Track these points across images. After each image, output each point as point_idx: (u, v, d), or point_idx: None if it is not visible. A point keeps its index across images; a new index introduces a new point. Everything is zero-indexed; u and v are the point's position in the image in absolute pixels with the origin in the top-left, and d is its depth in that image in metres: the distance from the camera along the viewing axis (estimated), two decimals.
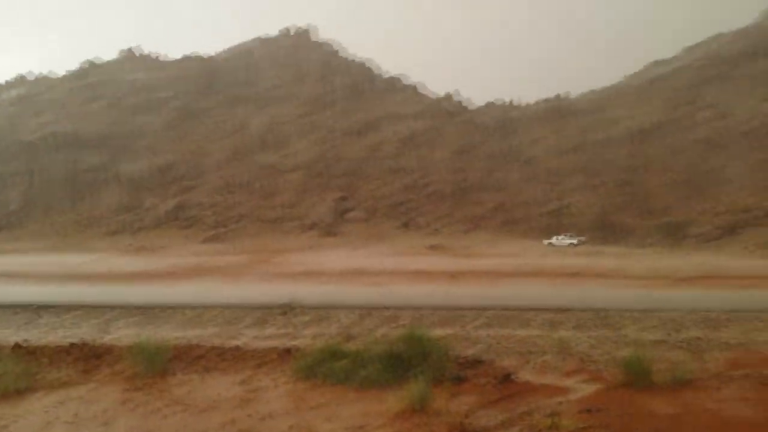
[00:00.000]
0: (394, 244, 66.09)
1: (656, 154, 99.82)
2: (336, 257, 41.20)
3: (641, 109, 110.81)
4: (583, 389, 6.85)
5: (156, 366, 7.37)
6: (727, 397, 6.29)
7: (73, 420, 5.79)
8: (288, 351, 8.33)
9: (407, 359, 7.16)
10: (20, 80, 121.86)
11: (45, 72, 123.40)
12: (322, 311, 13.22)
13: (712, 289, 19.75)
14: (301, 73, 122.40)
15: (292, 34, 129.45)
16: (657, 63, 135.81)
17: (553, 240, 69.52)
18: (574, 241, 68.99)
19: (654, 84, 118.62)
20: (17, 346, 8.84)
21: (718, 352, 9.11)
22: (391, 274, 26.59)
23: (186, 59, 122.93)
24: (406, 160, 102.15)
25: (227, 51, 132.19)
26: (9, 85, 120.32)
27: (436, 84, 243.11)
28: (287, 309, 13.17)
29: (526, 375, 7.65)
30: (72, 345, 8.94)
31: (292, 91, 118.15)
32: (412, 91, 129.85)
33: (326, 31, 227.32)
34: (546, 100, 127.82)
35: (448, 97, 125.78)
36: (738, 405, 6.01)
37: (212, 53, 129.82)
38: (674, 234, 74.25)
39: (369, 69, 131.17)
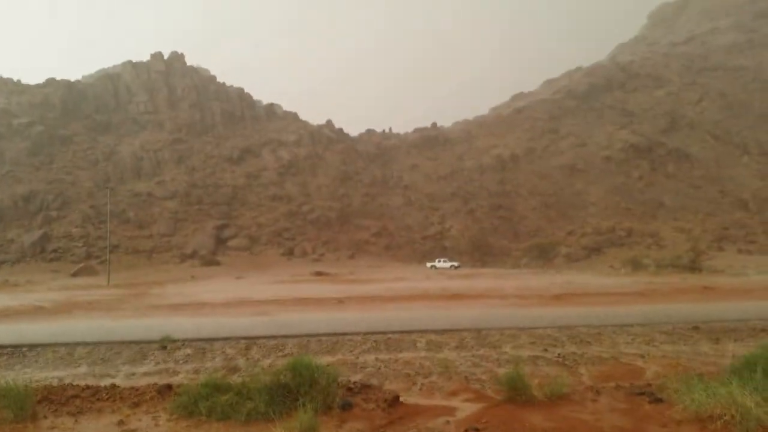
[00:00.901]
0: (278, 271, 65.29)
1: (523, 179, 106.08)
2: (218, 287, 40.05)
3: (507, 138, 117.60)
4: (467, 408, 7.05)
5: (24, 409, 6.80)
6: (601, 408, 6.71)
7: None
8: (168, 387, 7.95)
9: (294, 388, 7.06)
10: None
11: None
12: (205, 343, 12.76)
13: (581, 306, 21.08)
14: (175, 98, 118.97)
15: (165, 58, 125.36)
16: (520, 95, 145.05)
17: (435, 263, 71.69)
18: (456, 264, 71.53)
19: (519, 114, 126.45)
20: None
21: (591, 366, 9.72)
22: (276, 302, 26.19)
23: (49, 83, 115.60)
24: (288, 187, 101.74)
25: (93, 74, 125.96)
26: None
27: (312, 112, 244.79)
28: (167, 343, 12.58)
29: (413, 397, 7.77)
30: None
31: (166, 116, 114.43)
32: (293, 117, 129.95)
33: (198, 59, 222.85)
34: (421, 129, 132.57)
35: (328, 123, 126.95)
36: (611, 415, 6.42)
37: (78, 77, 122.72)
38: (544, 254, 78.86)
39: (247, 95, 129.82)
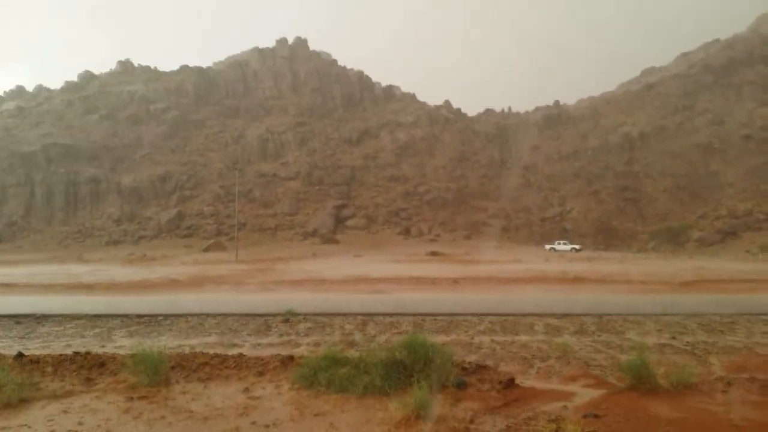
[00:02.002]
0: (395, 250, 66.14)
1: (654, 159, 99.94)
2: (337, 264, 41.19)
3: (637, 116, 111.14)
4: (586, 394, 6.82)
5: (158, 374, 7.36)
6: (732, 400, 6.27)
7: (76, 428, 5.79)
8: (290, 358, 8.30)
9: (409, 366, 7.14)
10: (19, 91, 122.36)
11: (43, 83, 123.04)
12: (325, 318, 13.19)
13: (713, 293, 19.73)
14: (298, 82, 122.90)
15: (289, 44, 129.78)
16: (651, 70, 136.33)
17: (555, 245, 69.60)
18: (577, 246, 69.08)
19: (649, 91, 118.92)
20: (19, 356, 8.82)
21: (722, 356, 9.08)
22: (392, 280, 26.55)
23: (182, 70, 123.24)
24: (405, 168, 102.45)
25: (223, 61, 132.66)
26: (8, 96, 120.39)
27: (431, 93, 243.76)
28: (289, 316, 13.13)
29: (529, 380, 7.62)
30: (74, 354, 8.91)
31: (289, 100, 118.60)
32: (410, 99, 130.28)
33: (321, 43, 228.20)
34: (543, 108, 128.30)
35: (446, 104, 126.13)
36: (743, 407, 5.99)
37: (209, 64, 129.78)
38: (674, 239, 74.26)
39: (366, 78, 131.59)
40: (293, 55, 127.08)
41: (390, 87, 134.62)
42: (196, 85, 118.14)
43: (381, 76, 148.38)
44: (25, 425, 5.89)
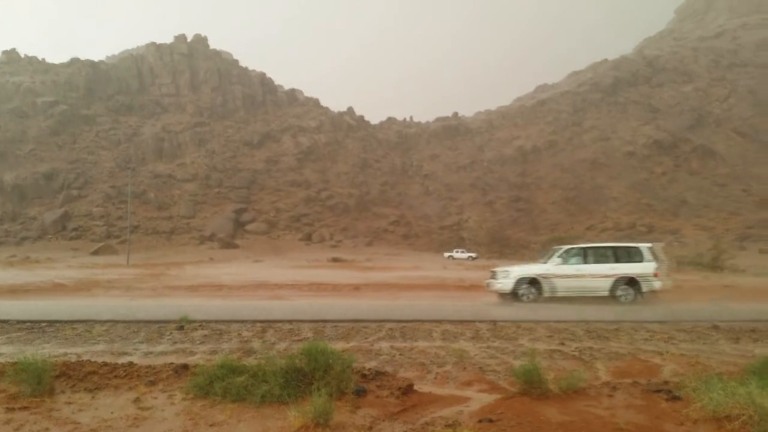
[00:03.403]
0: (296, 256, 65.66)
1: (545, 172, 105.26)
2: (235, 269, 40.39)
3: (530, 130, 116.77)
4: (481, 399, 7.03)
5: (41, 384, 6.91)
6: (617, 404, 6.65)
7: None
8: (185, 367, 8.02)
9: (309, 373, 7.08)
10: None
11: None
12: (222, 325, 12.86)
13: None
14: (197, 80, 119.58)
15: (188, 41, 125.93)
16: (544, 87, 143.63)
17: (453, 253, 71.65)
18: (473, 255, 71.45)
19: (542, 106, 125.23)
20: None
21: (608, 361, 9.64)
22: (293, 286, 26.36)
23: (73, 62, 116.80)
24: (308, 173, 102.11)
25: (117, 56, 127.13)
26: None
27: (334, 99, 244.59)
28: (184, 323, 12.70)
29: (427, 386, 7.76)
30: None
31: (187, 98, 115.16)
32: (313, 104, 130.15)
33: (222, 42, 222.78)
34: (443, 118, 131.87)
35: (349, 111, 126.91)
36: (627, 411, 6.36)
37: (102, 57, 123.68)
38: None
39: (269, 80, 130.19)
40: (192, 53, 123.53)
41: (293, 90, 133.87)
42: (87, 78, 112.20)
43: (283, 79, 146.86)
44: None
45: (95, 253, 64.12)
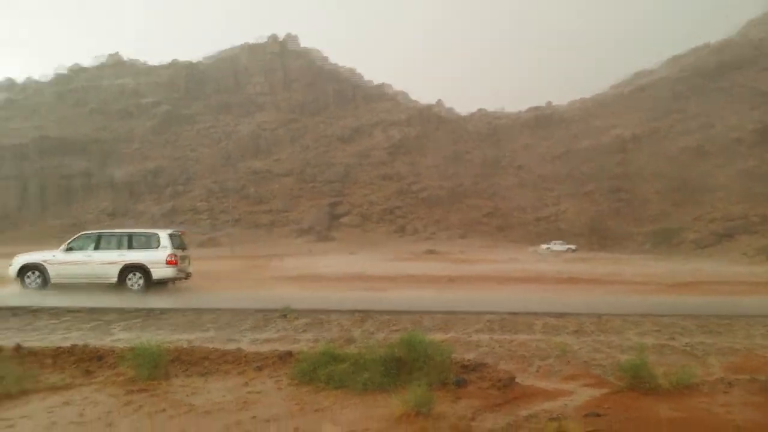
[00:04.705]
0: (390, 248, 66.26)
1: (647, 161, 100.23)
2: (332, 261, 41.22)
3: (629, 118, 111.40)
4: (586, 393, 6.82)
5: (157, 368, 7.34)
6: (734, 401, 6.28)
7: (78, 420, 5.78)
8: (289, 354, 8.28)
9: (408, 363, 7.13)
10: (8, 84, 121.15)
11: (32, 76, 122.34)
12: (322, 315, 13.17)
13: (709, 295, 19.83)
14: (289, 79, 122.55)
15: (280, 39, 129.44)
16: (642, 73, 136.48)
17: (550, 245, 69.84)
18: (572, 247, 69.35)
19: (641, 93, 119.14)
20: (18, 348, 8.77)
21: (722, 357, 9.11)
22: (389, 278, 26.59)
23: (173, 64, 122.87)
24: (398, 166, 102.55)
25: (213, 56, 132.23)
26: None
27: (422, 93, 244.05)
28: (287, 312, 13.10)
29: (529, 379, 7.62)
30: (72, 347, 8.88)
31: (280, 96, 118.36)
32: (403, 97, 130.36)
33: (311, 40, 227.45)
34: (535, 108, 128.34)
35: (438, 103, 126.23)
36: (744, 409, 5.99)
37: (200, 58, 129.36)
38: (668, 240, 74.67)
39: (358, 75, 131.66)
40: (284, 51, 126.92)
41: (382, 85, 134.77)
42: (186, 79, 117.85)
43: (372, 74, 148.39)
44: (26, 416, 5.88)
45: (201, 245, 67.40)
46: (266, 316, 13.10)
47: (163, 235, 19.63)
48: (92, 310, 14.01)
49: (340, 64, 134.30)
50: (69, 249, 19.29)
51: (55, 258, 19.08)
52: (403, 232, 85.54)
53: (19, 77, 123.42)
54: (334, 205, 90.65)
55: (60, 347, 8.94)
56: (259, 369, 7.81)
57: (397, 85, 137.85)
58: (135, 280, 18.71)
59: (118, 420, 5.82)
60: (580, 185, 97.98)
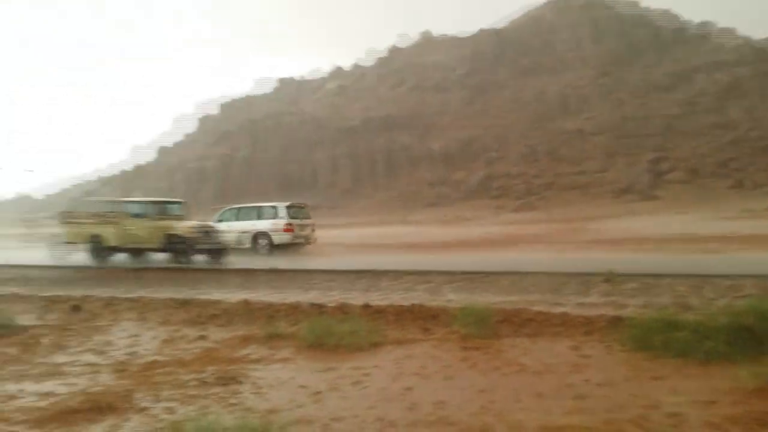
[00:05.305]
0: (725, 206, 58.92)
1: None
2: (656, 222, 38.48)
3: None
4: None
5: (487, 328, 7.79)
6: None
7: (421, 372, 6.38)
8: (618, 319, 8.08)
9: (759, 333, 6.39)
10: (338, 72, 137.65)
11: (357, 62, 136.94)
12: (650, 279, 12.44)
13: None
14: (597, 31, 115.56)
15: None
16: None
17: None
18: None
19: None
20: (366, 306, 10.10)
21: None
22: (726, 239, 23.81)
23: (480, 34, 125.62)
24: (731, 112, 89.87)
25: (518, 19, 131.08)
26: (330, 77, 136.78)
27: (755, 27, 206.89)
28: (610, 276, 12.71)
29: None
30: (411, 306, 9.92)
31: (589, 51, 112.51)
32: (729, 34, 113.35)
33: None
34: None
35: None
36: None
37: (505, 23, 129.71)
38: None
39: (673, 16, 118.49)
40: (589, 4, 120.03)
41: (703, 23, 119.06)
42: (493, 47, 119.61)
43: (690, 13, 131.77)
44: (377, 366, 6.69)
45: (516, 210, 68.66)
46: (587, 280, 12.88)
47: (281, 207, 23.05)
48: (424, 272, 15.37)
49: (652, 7, 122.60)
50: (219, 221, 23.51)
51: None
52: (741, 186, 75.09)
53: (346, 65, 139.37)
54: (656, 161, 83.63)
55: (400, 306, 10.08)
56: (588, 333, 7.77)
57: (722, 22, 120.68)
58: (263, 245, 22.61)
59: (456, 374, 6.30)
60: None
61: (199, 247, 20.64)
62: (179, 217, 22.09)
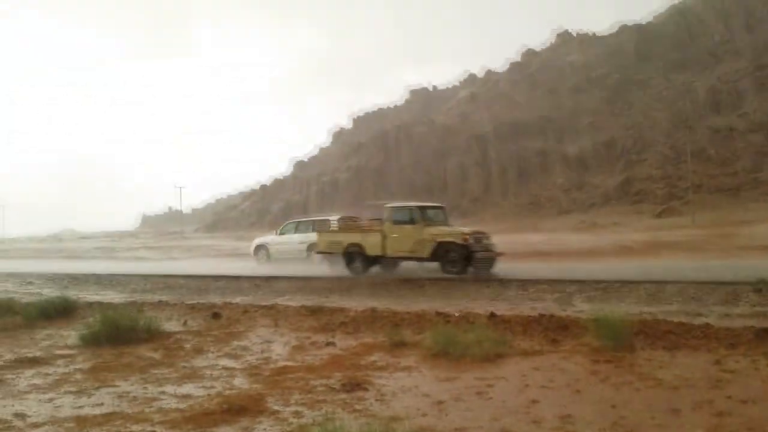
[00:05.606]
0: None
1: None
2: None
3: None
4: None
5: (621, 340, 7.44)
6: None
7: (547, 385, 6.20)
8: (766, 331, 7.45)
9: None
10: (470, 79, 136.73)
11: (490, 67, 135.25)
12: None
13: None
14: (753, 20, 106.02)
15: None
16: None
17: None
18: None
19: None
20: (492, 315, 9.99)
21: None
22: None
23: (620, 30, 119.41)
24: None
25: (663, 13, 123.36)
26: (462, 85, 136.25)
27: None
28: (762, 285, 11.72)
29: None
30: (540, 316, 9.69)
31: (743, 42, 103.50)
32: None
33: None
34: None
35: None
36: None
37: (649, 18, 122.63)
38: None
39: None
40: None
41: None
42: (635, 43, 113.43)
43: None
44: (503, 378, 6.53)
45: (658, 215, 64.75)
46: (736, 289, 11.96)
47: (333, 220, 24.04)
48: (554, 282, 14.94)
49: None
50: (281, 233, 25.60)
51: (273, 240, 25.92)
52: None
53: (480, 72, 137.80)
54: None
55: (529, 316, 9.87)
56: (732, 347, 7.23)
57: None
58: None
59: (585, 388, 6.05)
60: None
61: (477, 256, 18.17)
62: (443, 224, 20.10)
